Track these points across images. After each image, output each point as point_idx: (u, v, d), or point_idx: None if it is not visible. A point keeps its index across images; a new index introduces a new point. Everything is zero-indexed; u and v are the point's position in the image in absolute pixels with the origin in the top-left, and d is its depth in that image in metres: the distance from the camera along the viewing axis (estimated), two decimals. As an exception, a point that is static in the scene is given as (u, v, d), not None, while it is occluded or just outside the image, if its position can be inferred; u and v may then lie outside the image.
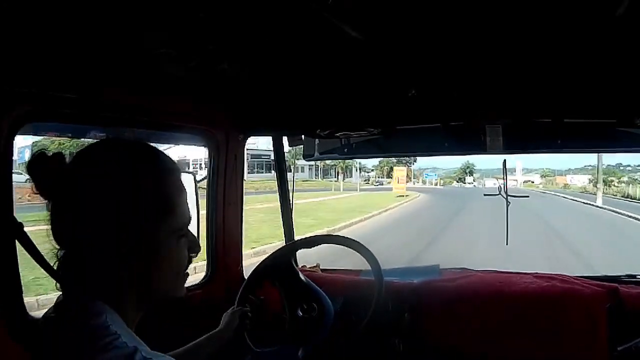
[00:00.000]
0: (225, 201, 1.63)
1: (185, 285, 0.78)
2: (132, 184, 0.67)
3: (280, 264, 1.48)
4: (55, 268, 0.69)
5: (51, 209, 0.67)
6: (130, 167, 0.68)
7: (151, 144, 0.74)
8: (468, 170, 67.26)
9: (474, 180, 65.13)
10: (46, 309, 0.71)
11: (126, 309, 0.69)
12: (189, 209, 0.75)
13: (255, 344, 1.35)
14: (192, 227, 1.40)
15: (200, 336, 1.27)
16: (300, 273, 1.47)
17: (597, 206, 19.90)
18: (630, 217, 15.04)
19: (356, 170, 44.75)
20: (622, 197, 27.76)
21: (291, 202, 1.97)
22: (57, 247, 0.68)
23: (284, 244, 1.75)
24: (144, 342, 0.65)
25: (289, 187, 1.95)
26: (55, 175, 0.66)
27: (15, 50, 0.88)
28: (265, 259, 1.52)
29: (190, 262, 0.77)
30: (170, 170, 0.73)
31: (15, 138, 0.98)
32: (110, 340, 0.61)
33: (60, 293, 0.70)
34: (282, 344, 1.37)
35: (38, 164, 0.67)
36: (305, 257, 1.75)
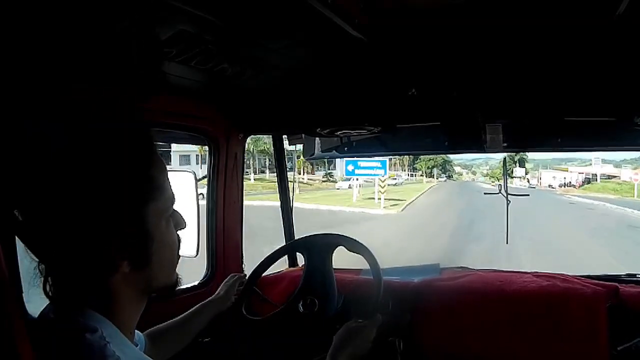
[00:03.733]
0: (225, 201, 1.64)
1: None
2: (110, 173, 0.62)
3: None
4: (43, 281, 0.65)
5: (22, 218, 0.62)
6: (106, 154, 0.64)
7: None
8: (518, 159, 49.46)
9: (526, 174, 49.10)
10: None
11: (123, 308, 0.66)
12: (171, 186, 0.72)
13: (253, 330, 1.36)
14: (192, 227, 1.41)
15: (200, 336, 1.27)
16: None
17: None
18: None
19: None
20: None
21: (291, 201, 1.97)
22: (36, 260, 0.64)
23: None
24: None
25: (289, 187, 1.95)
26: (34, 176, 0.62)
27: (15, 50, 0.88)
28: (265, 258, 1.52)
29: (180, 241, 0.75)
30: (150, 149, 0.68)
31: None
32: None
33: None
34: (281, 339, 1.37)
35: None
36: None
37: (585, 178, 42.84)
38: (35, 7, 0.75)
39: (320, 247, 1.43)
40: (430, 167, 56.71)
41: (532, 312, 1.35)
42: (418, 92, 1.34)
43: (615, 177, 39.04)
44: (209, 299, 1.34)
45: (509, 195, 1.91)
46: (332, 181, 36.79)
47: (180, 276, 0.75)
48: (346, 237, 1.43)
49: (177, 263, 0.74)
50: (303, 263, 1.47)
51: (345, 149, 1.75)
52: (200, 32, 0.93)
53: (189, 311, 1.26)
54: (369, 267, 1.33)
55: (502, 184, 1.93)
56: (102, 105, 1.15)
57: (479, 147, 1.54)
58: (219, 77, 1.19)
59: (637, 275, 1.54)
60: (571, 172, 46.02)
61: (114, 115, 1.18)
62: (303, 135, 1.80)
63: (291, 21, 0.92)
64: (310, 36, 1.02)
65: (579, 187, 39.44)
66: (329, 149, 1.80)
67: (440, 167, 59.64)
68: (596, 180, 40.50)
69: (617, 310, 1.29)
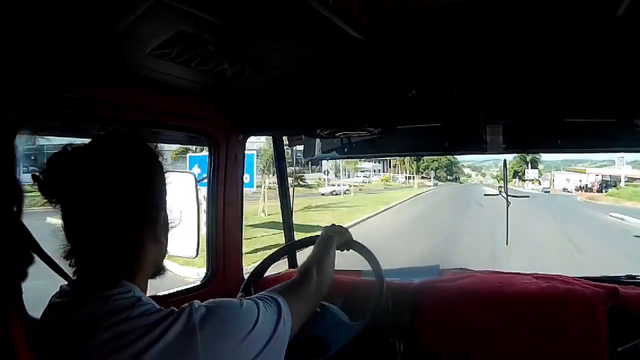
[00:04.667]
0: (225, 201, 1.64)
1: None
2: (139, 171, 0.74)
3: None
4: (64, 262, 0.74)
5: (62, 210, 0.71)
6: (139, 156, 0.75)
7: (148, 143, 0.79)
8: (530, 160, 43.92)
9: (539, 176, 43.66)
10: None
11: (140, 284, 0.75)
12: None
13: None
14: (192, 227, 1.41)
15: None
16: None
17: None
18: None
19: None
20: None
21: (291, 202, 1.97)
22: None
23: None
24: None
25: (289, 187, 1.95)
26: (59, 177, 0.70)
27: (15, 50, 0.88)
28: (266, 258, 1.52)
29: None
30: (154, 153, 0.78)
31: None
32: (151, 309, 0.69)
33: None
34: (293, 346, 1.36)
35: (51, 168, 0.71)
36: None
37: (603, 180, 36.94)
38: (36, 7, 0.75)
39: None
40: (434, 168, 53.43)
41: (532, 313, 1.35)
42: (418, 93, 1.34)
43: (637, 179, 34.05)
44: None
45: (509, 197, 1.91)
46: (306, 185, 29.21)
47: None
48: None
49: None
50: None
51: (345, 150, 1.75)
52: (200, 32, 0.93)
53: None
54: (370, 268, 1.33)
55: (502, 185, 1.93)
56: (103, 105, 1.15)
57: (480, 148, 1.54)
58: (219, 78, 1.20)
59: (637, 277, 1.54)
60: (588, 174, 39.77)
61: (114, 115, 1.19)
62: (303, 136, 1.81)
63: (291, 21, 0.92)
64: (310, 36, 1.02)
65: (596, 190, 34.18)
66: (329, 150, 1.80)
67: (446, 169, 56.51)
68: (616, 184, 33.77)
69: (616, 311, 1.29)
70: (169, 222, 0.80)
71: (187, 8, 0.82)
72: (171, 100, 1.32)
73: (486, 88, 1.33)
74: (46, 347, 0.69)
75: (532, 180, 43.34)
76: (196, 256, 1.37)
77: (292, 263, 1.91)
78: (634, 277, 1.55)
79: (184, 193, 1.37)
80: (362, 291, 1.39)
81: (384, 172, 50.46)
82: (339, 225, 1.36)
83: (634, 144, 1.49)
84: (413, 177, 48.46)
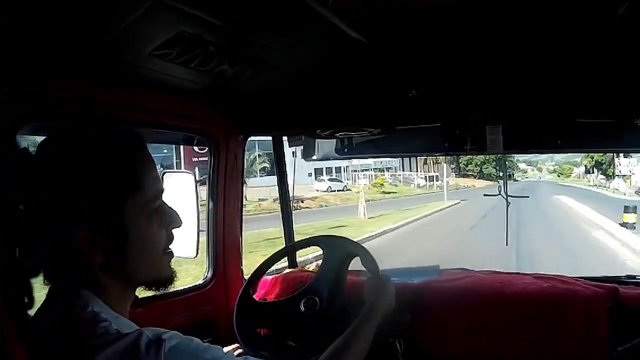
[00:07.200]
0: (225, 201, 1.64)
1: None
2: (87, 166, 0.65)
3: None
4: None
5: (22, 203, 0.67)
6: (91, 148, 0.67)
7: (149, 143, 0.73)
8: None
9: (616, 174, 26.91)
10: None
11: (112, 293, 0.68)
12: (158, 179, 0.73)
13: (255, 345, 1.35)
14: (192, 227, 1.41)
15: (200, 336, 1.27)
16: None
17: None
18: None
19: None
20: None
21: (291, 203, 1.97)
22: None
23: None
24: None
25: (289, 188, 1.95)
26: (22, 171, 0.67)
27: (15, 50, 0.88)
28: (267, 259, 1.52)
29: (171, 239, 0.75)
30: (131, 144, 0.70)
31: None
32: (102, 332, 0.61)
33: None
34: (281, 339, 1.36)
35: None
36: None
37: None
38: (36, 7, 0.75)
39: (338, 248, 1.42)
40: (478, 163, 40.53)
41: (532, 314, 1.35)
42: (418, 93, 1.34)
43: None
44: None
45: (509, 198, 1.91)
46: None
47: (174, 271, 0.76)
48: (345, 238, 1.44)
49: (167, 259, 0.75)
50: (304, 264, 1.47)
51: (346, 150, 1.75)
52: (201, 32, 0.93)
53: None
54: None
55: (502, 185, 1.93)
56: (103, 105, 1.15)
57: (480, 148, 1.54)
58: (219, 78, 1.20)
59: (637, 277, 1.54)
60: None
61: (114, 115, 1.19)
62: (303, 136, 1.81)
63: (291, 22, 0.92)
64: (310, 37, 1.02)
65: None
66: (329, 151, 1.80)
67: (494, 163, 39.03)
68: None
69: (617, 311, 1.29)
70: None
71: (187, 8, 0.82)
72: (171, 100, 1.32)
73: (486, 88, 1.34)
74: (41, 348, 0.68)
75: (625, 175, 26.58)
76: (196, 256, 1.37)
77: (292, 263, 1.91)
78: (634, 277, 1.55)
79: (183, 193, 1.37)
80: (362, 291, 1.39)
81: (403, 169, 35.23)
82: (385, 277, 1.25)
83: (635, 144, 1.49)
84: (434, 177, 32.02)
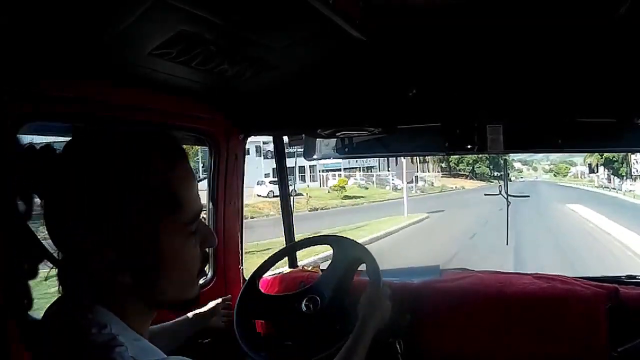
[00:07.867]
0: (225, 201, 1.64)
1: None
2: (129, 177, 0.58)
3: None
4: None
5: (44, 207, 0.60)
6: (127, 157, 0.59)
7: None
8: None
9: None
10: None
11: (133, 314, 0.62)
12: (199, 197, 0.66)
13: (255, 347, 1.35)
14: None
15: (200, 336, 1.27)
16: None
17: None
18: None
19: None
20: None
21: (291, 202, 1.97)
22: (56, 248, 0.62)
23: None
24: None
25: (289, 188, 1.95)
26: (43, 170, 0.59)
27: (15, 50, 0.88)
28: (267, 259, 1.52)
29: (206, 259, 0.69)
30: (175, 157, 0.62)
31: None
32: (116, 358, 0.55)
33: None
34: (281, 338, 1.36)
35: (26, 158, 0.60)
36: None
37: None
38: (36, 7, 0.75)
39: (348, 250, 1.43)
40: (470, 162, 37.27)
41: (532, 314, 1.35)
42: (418, 92, 1.34)
43: None
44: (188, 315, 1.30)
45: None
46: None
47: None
48: (345, 238, 1.44)
49: (198, 280, 0.68)
50: (304, 264, 1.47)
51: (346, 149, 1.75)
52: (201, 32, 0.93)
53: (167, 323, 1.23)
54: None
55: (502, 184, 1.93)
56: (103, 105, 1.15)
57: (480, 148, 1.54)
58: (219, 78, 1.20)
59: (637, 277, 1.54)
60: None
61: (114, 115, 1.19)
62: (303, 136, 1.80)
63: (291, 21, 0.92)
64: (310, 36, 1.02)
65: None
66: (329, 150, 1.80)
67: (488, 162, 35.51)
68: None
69: (617, 311, 1.28)
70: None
71: (187, 8, 0.82)
72: (171, 100, 1.32)
73: (486, 88, 1.33)
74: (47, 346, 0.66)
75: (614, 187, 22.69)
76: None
77: (292, 263, 1.91)
78: (634, 277, 1.54)
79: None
80: (362, 291, 1.39)
81: (379, 170, 30.78)
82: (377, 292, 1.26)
83: (636, 144, 1.48)
84: (415, 177, 24.78)
